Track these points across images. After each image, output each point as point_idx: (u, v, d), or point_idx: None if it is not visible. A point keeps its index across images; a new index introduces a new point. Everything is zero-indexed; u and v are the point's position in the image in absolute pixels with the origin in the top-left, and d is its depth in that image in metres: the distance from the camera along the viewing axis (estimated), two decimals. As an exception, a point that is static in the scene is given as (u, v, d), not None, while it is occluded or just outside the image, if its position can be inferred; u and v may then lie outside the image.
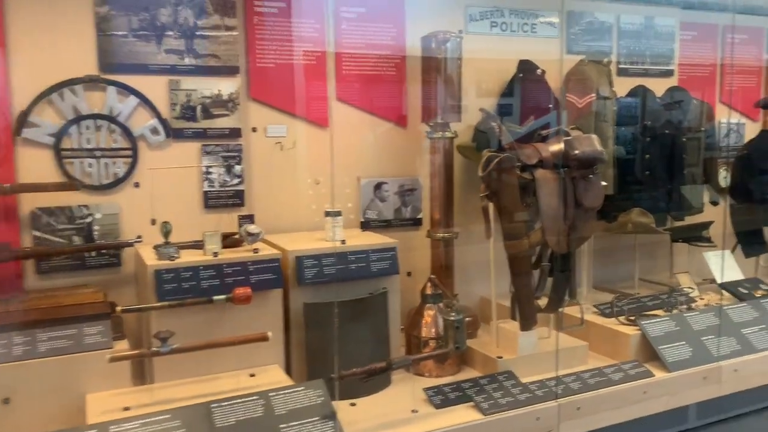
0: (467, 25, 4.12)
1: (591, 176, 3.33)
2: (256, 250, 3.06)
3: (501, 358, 3.30)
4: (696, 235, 4.27)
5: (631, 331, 3.54)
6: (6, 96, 3.06)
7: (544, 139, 3.45)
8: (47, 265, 3.16)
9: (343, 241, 3.28)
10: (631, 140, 4.33)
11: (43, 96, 3.12)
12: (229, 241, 3.16)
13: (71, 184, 3.11)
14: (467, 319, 3.81)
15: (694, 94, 4.91)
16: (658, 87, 4.63)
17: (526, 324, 3.33)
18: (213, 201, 3.45)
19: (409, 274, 4.01)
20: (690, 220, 4.56)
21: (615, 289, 4.49)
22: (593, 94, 3.99)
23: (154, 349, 2.68)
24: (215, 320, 2.95)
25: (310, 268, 3.13)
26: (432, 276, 3.48)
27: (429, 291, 3.44)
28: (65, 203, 3.19)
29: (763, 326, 3.77)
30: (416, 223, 4.06)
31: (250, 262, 2.99)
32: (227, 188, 3.48)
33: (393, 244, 3.35)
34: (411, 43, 3.91)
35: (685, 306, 3.92)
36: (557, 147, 3.34)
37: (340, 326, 3.00)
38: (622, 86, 4.50)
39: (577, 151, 3.29)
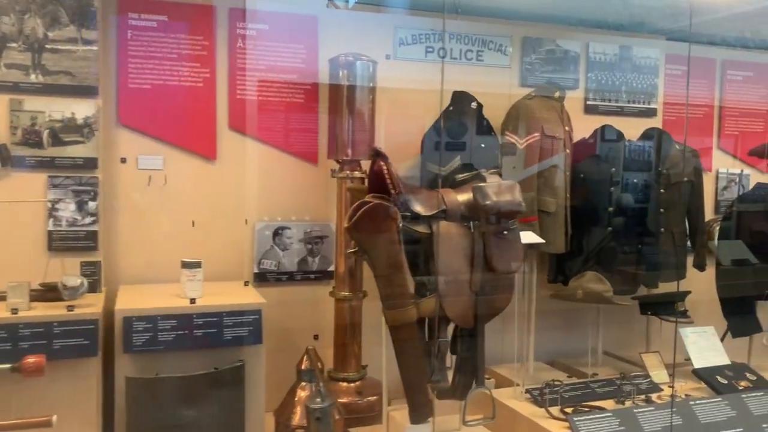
0: (396, 50, 3.54)
1: (506, 233, 2.67)
2: (71, 308, 2.49)
3: (382, 457, 2.62)
4: (666, 308, 3.51)
5: (558, 428, 2.81)
6: None
7: (459, 185, 2.82)
8: None
9: (193, 300, 2.69)
10: (595, 190, 3.63)
11: None
12: (53, 294, 2.61)
13: None
14: (370, 399, 3.20)
15: (682, 138, 4.21)
16: (637, 128, 3.96)
17: (416, 416, 2.64)
18: (59, 242, 2.91)
19: (316, 337, 3.42)
20: (668, 288, 3.81)
21: (572, 367, 3.77)
22: (536, 134, 3.33)
23: None
24: (9, 395, 2.37)
25: (141, 332, 2.53)
26: (310, 347, 2.84)
27: (305, 366, 2.80)
28: None
29: (739, 431, 2.98)
30: (327, 276, 3.44)
31: (57, 323, 2.42)
32: (77, 228, 2.93)
33: (257, 306, 2.73)
34: (324, 67, 3.34)
35: (643, 397, 3.17)
36: (467, 195, 2.70)
37: (175, 408, 2.40)
38: (590, 125, 3.84)
39: (488, 201, 2.64)
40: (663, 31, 4.14)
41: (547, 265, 3.73)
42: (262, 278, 3.33)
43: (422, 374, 2.62)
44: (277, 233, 3.35)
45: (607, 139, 3.64)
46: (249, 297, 2.84)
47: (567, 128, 3.47)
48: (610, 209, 3.57)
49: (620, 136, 3.69)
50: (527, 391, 3.13)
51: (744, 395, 3.18)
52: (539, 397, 3.05)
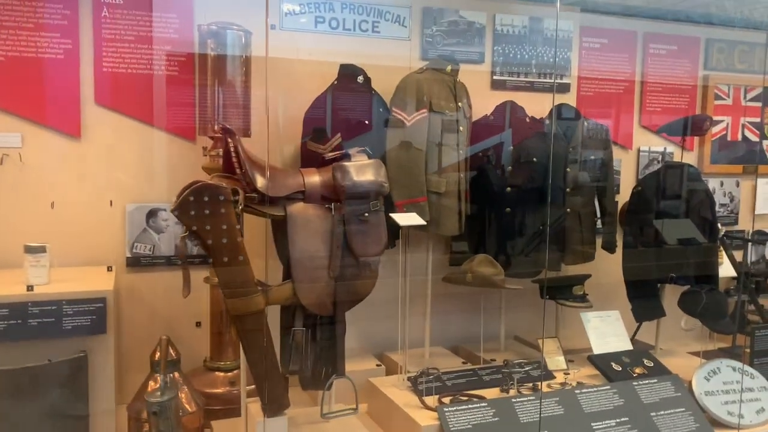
0: (282, 20, 3.33)
1: (367, 215, 2.51)
2: None
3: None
4: (564, 292, 3.38)
5: (427, 419, 2.68)
6: None
7: (328, 163, 2.64)
8: None
9: (30, 287, 2.50)
10: (492, 168, 3.48)
11: None
12: None
13: None
14: (247, 389, 3.04)
15: (597, 115, 4.06)
16: (549, 104, 3.79)
17: (271, 408, 2.50)
18: None
19: (198, 324, 3.26)
20: (575, 270, 3.67)
21: (473, 353, 3.63)
22: (424, 110, 3.15)
23: None
24: None
25: (-33, 322, 2.36)
26: (164, 336, 2.67)
27: (157, 356, 2.63)
28: None
29: (624, 420, 2.86)
30: (208, 260, 3.26)
31: None
32: None
33: (100, 294, 2.55)
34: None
35: (530, 385, 3.04)
36: (328, 175, 2.53)
37: (2, 403, 2.23)
38: (497, 101, 3.68)
39: (346, 181, 2.48)
40: (577, 2, 3.96)
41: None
42: (135, 263, 3.16)
43: (273, 365, 2.47)
44: (151, 215, 3.17)
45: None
46: (96, 284, 2.65)
47: (460, 104, 3.29)
48: (509, 189, 3.42)
49: (523, 113, 3.53)
50: (408, 379, 2.99)
51: (636, 383, 3.06)
52: (416, 385, 2.91)
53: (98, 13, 3.02)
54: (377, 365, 3.36)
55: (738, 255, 4.68)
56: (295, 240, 2.44)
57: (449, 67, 3.29)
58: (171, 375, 2.61)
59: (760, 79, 4.59)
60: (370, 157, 2.65)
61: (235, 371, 3.12)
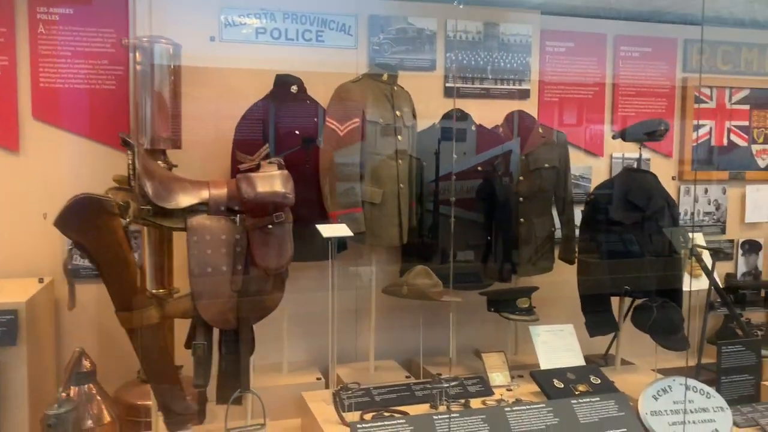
0: (222, 31, 3.34)
1: (270, 227, 2.47)
2: None
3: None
4: (509, 305, 3.26)
5: (340, 437, 2.62)
6: None
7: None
8: None
9: (-59, 300, 2.56)
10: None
11: None
12: None
13: None
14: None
15: (562, 122, 3.93)
16: (504, 111, 3.69)
17: (174, 423, 2.47)
18: None
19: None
20: (539, 281, 3.55)
21: (423, 367, 3.53)
22: (356, 119, 3.10)
23: None
24: None
25: None
26: (77, 348, 2.68)
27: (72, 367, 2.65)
28: None
29: (554, 441, 2.74)
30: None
31: None
32: None
33: (12, 307, 2.58)
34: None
35: (462, 401, 2.94)
36: (233, 187, 2.51)
37: None
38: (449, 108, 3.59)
39: (247, 193, 2.45)
40: (538, 6, 3.84)
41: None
42: (75, 274, 3.17)
43: (172, 380, 2.45)
44: (90, 227, 3.19)
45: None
46: (12, 296, 2.69)
47: (399, 112, 3.22)
48: (453, 199, 3.32)
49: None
50: (334, 393, 2.93)
51: (575, 401, 2.92)
52: (338, 400, 2.84)
53: (34, 30, 3.08)
54: (317, 379, 3.31)
55: (727, 266, 4.48)
56: (194, 252, 2.42)
57: (385, 75, 3.23)
58: (84, 387, 2.62)
59: (747, 81, 4.37)
60: (280, 168, 2.61)
61: (168, 383, 3.11)
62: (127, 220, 2.27)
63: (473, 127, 3.43)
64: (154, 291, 2.98)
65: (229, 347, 2.53)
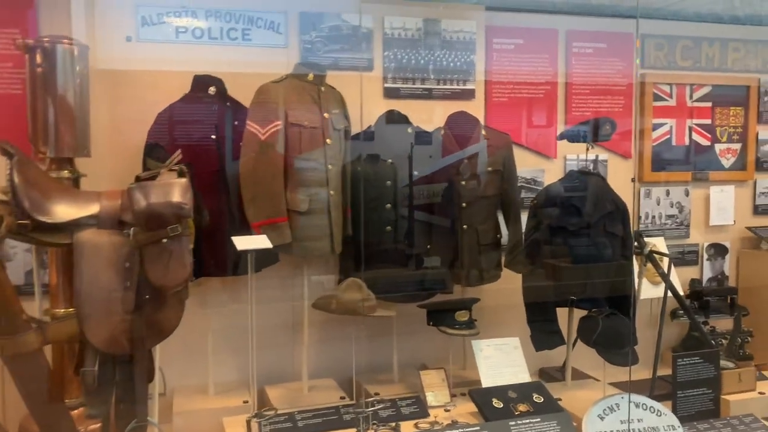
0: (139, 31, 3.13)
1: (165, 240, 2.25)
2: None
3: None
4: (447, 318, 3.05)
5: (249, 469, 2.40)
6: None
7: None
8: None
9: None
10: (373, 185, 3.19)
11: None
12: None
13: None
14: (91, 428, 2.81)
15: (510, 122, 3.73)
16: (446, 112, 3.48)
17: (63, 458, 2.26)
18: None
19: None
20: (476, 292, 3.34)
21: (361, 385, 3.33)
22: (278, 122, 2.89)
23: None
24: None
25: None
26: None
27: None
28: None
29: (484, 467, 2.52)
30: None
31: None
32: None
33: None
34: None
35: (393, 424, 2.73)
36: (122, 198, 2.30)
37: None
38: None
39: (138, 204, 2.23)
40: (481, 1, 3.64)
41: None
42: (-19, 293, 2.97)
43: (58, 414, 2.23)
44: (-5, 243, 2.97)
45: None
46: None
47: (327, 114, 3.01)
48: (388, 206, 3.12)
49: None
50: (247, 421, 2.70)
51: (514, 422, 2.72)
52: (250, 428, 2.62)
53: (-74, 31, 2.88)
54: (244, 402, 3.09)
55: (692, 272, 4.28)
56: (82, 270, 2.21)
57: (311, 75, 3.02)
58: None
59: (708, 77, 4.18)
60: (182, 175, 2.41)
61: (80, 409, 2.89)
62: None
63: (409, 130, 3.22)
64: (62, 311, 2.78)
65: (125, 374, 2.31)
